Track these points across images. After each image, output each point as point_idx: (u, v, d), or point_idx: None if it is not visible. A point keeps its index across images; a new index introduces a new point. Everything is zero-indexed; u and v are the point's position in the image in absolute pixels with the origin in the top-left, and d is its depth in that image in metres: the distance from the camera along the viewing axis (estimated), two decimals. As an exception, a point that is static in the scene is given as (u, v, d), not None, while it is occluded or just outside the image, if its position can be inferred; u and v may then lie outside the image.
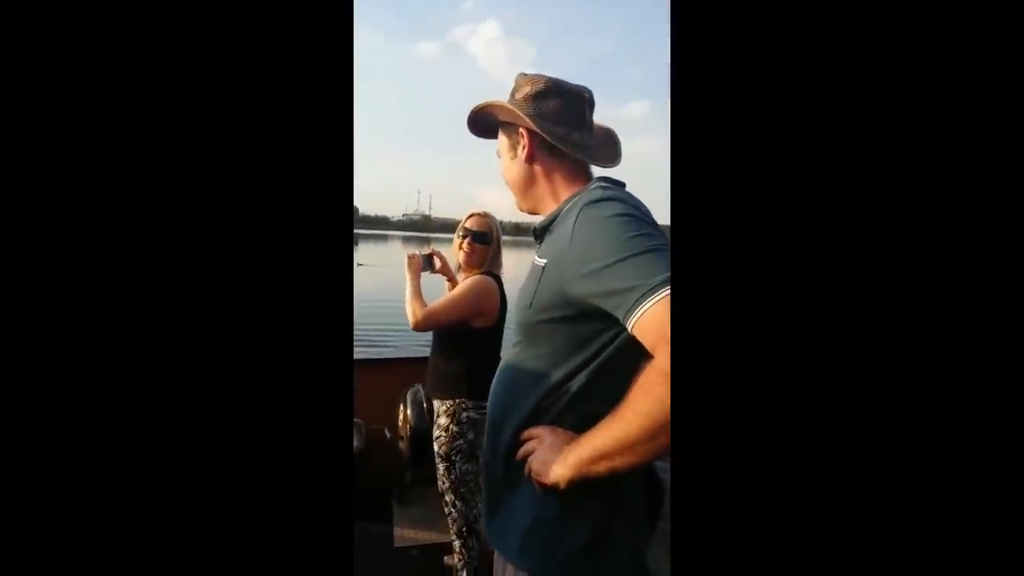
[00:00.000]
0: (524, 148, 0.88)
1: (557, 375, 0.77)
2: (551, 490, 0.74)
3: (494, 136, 0.96)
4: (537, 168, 0.89)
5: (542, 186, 0.90)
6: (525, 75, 0.91)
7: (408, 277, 1.68)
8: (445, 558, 1.94)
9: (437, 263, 1.82)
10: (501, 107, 0.90)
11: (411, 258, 1.73)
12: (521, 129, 0.88)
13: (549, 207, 0.89)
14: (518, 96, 0.89)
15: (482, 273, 1.67)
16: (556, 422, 0.77)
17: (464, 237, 1.69)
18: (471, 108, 0.94)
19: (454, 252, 1.75)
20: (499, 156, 0.95)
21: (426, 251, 1.79)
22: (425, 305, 1.63)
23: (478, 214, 1.72)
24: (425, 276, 1.74)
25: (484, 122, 0.95)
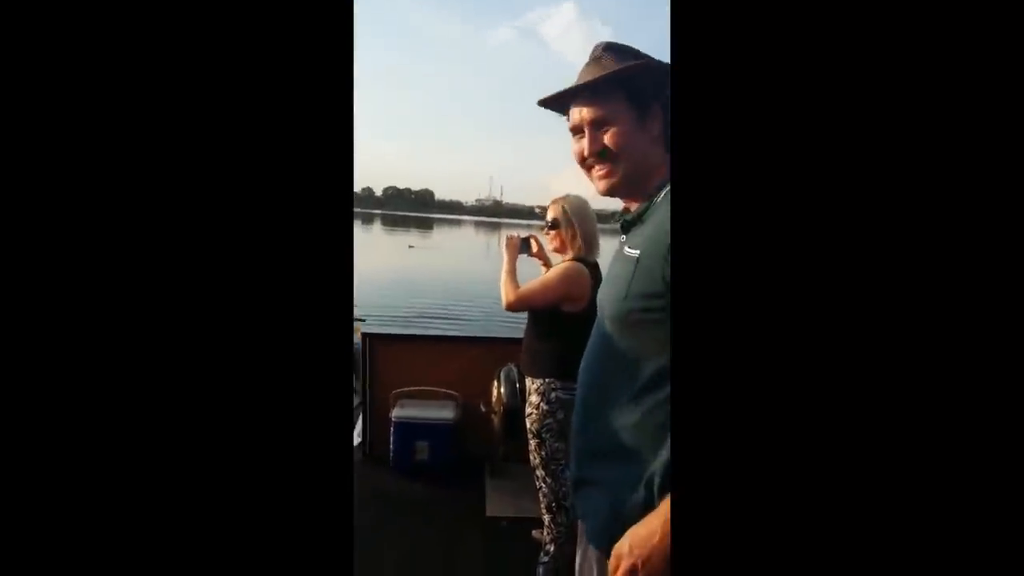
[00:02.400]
0: (658, 123, 0.82)
1: (650, 368, 0.77)
2: None
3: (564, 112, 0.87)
4: (660, 151, 0.84)
5: (653, 170, 0.84)
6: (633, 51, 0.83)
7: (505, 258, 1.76)
8: (534, 532, 2.03)
9: (534, 246, 1.85)
10: (656, 68, 0.81)
11: (510, 239, 1.81)
12: (656, 105, 0.82)
13: (638, 196, 0.85)
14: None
15: (573, 259, 1.70)
16: (651, 416, 0.77)
17: (544, 226, 1.77)
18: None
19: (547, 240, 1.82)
20: (597, 127, 0.83)
21: (524, 235, 1.85)
22: (519, 287, 1.71)
23: (554, 200, 1.77)
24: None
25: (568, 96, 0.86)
